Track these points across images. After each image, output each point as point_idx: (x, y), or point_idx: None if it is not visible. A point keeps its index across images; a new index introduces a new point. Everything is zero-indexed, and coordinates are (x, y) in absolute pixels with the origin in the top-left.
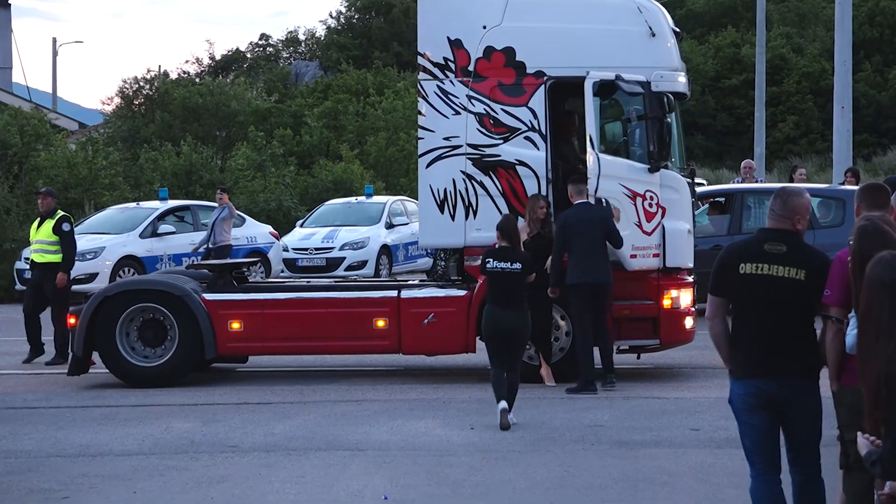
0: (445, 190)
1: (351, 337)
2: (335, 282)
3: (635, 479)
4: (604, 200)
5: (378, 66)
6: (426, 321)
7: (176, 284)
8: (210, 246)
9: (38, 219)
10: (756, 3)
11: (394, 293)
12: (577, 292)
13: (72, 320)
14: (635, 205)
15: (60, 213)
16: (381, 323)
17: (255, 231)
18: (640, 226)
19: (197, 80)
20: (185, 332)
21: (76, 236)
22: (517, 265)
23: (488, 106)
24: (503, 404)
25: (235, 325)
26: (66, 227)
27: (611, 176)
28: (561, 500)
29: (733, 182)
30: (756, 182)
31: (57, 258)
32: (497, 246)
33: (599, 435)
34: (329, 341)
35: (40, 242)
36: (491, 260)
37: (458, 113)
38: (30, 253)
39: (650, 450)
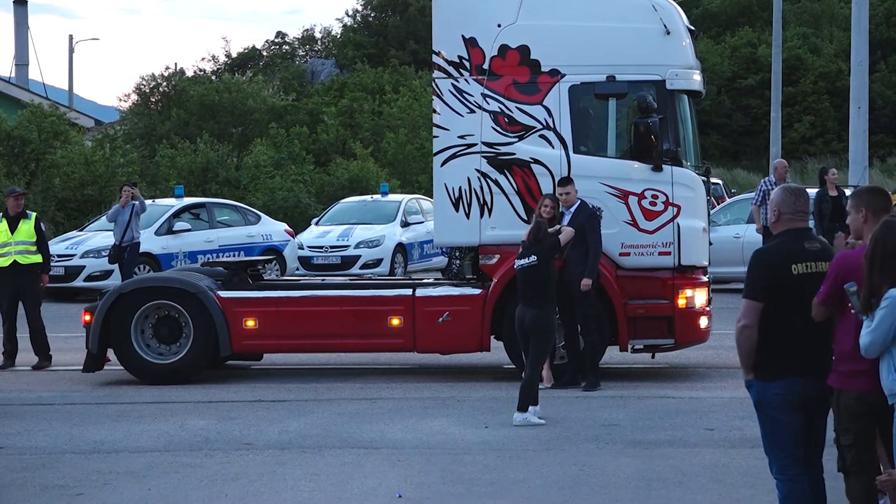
0: (460, 188)
1: (366, 335)
2: (350, 280)
3: (650, 478)
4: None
5: (394, 65)
6: (441, 319)
7: (191, 282)
8: (120, 244)
9: (6, 220)
10: (772, 3)
11: (409, 291)
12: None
13: (87, 317)
14: (626, 203)
15: (33, 212)
16: (395, 321)
17: (270, 229)
18: (634, 224)
19: (213, 77)
20: (200, 330)
21: (91, 233)
22: (532, 258)
23: (503, 104)
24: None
25: (250, 323)
26: (42, 226)
27: (588, 176)
28: (575, 499)
29: (763, 183)
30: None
31: (39, 258)
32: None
33: (614, 434)
34: (344, 339)
35: (23, 244)
36: (517, 260)
37: (472, 111)
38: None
39: (664, 449)
